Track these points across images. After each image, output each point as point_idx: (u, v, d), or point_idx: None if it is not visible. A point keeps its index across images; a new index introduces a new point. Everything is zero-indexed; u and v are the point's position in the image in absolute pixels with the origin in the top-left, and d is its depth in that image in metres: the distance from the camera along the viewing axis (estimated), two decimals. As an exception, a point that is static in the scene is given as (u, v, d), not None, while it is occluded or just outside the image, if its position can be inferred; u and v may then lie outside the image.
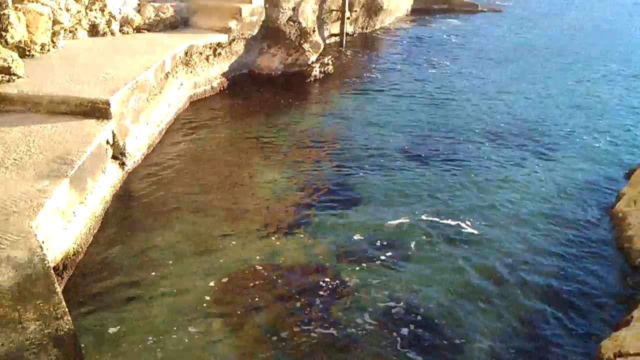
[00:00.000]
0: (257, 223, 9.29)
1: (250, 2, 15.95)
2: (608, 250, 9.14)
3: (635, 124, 15.04)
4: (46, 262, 5.81)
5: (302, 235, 9.06)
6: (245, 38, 16.04)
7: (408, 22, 27.31)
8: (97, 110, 9.69)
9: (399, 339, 7.00)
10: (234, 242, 8.71)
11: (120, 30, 14.33)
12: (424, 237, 9.27)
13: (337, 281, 8.04)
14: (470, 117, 14.85)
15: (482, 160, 12.27)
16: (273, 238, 8.92)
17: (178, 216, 9.33)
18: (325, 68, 17.64)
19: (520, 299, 7.86)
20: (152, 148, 11.58)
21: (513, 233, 9.49)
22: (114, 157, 9.93)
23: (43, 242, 6.44)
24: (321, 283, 7.96)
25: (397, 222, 9.63)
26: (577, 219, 10.05)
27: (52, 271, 5.85)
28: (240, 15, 15.62)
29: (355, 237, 9.13)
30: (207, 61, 15.09)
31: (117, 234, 8.77)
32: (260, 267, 8.18)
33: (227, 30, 15.36)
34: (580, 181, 11.51)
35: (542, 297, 7.93)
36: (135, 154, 10.78)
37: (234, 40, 15.67)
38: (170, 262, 8.17)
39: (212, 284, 7.79)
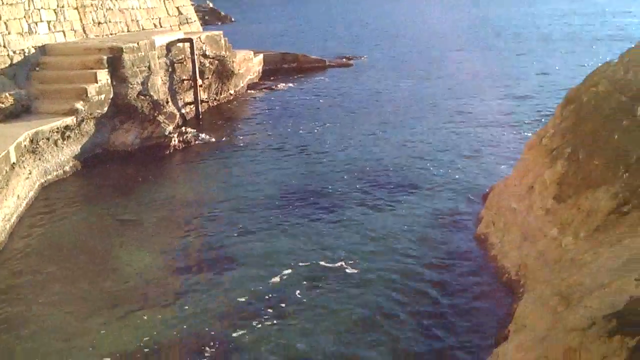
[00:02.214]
0: (130, 306, 8.74)
1: (96, 82, 15.51)
2: (477, 271, 9.56)
3: (478, 153, 16.13)
4: None
5: (180, 309, 8.65)
6: (94, 117, 15.50)
7: (260, 85, 27.76)
8: None
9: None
10: (107, 332, 8.11)
11: (-46, 125, 13.34)
12: (307, 286, 9.25)
13: (226, 346, 7.74)
14: (335, 167, 15.21)
15: (353, 204, 12.56)
16: (150, 318, 8.42)
17: (40, 314, 8.57)
18: (184, 137, 17.44)
19: (404, 330, 7.98)
20: (2, 245, 10.68)
21: (390, 267, 9.72)
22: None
23: None
24: (209, 352, 7.60)
25: (278, 276, 9.55)
26: (446, 246, 10.48)
27: None
28: (87, 95, 15.13)
29: (238, 299, 8.90)
30: (56, 145, 14.36)
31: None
32: (141, 352, 7.66)
33: (74, 112, 14.78)
34: (444, 210, 12.06)
35: (425, 325, 8.09)
36: (-16, 254, 9.88)
37: (82, 120, 15.09)
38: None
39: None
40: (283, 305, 8.76)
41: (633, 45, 9.60)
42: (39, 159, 13.70)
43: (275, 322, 8.32)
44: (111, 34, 20.40)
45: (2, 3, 15.45)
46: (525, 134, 17.53)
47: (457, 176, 14.20)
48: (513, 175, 10.79)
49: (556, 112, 11.21)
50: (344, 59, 34.94)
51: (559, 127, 10.35)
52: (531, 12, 71.30)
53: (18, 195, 12.10)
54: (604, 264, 6.34)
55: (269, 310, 8.63)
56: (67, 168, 14.60)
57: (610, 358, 4.58)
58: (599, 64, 10.38)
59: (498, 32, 48.63)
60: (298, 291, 9.08)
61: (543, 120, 18.49)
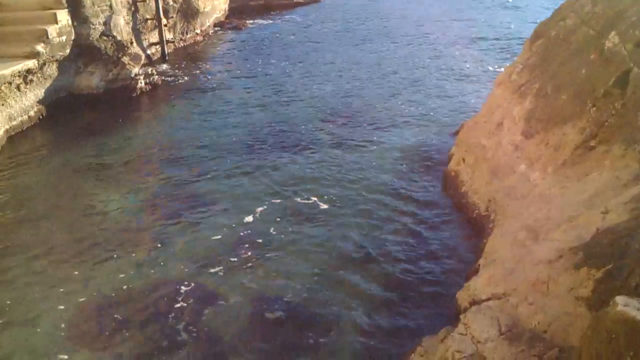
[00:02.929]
0: (105, 251, 8.76)
1: (56, 22, 14.94)
2: (447, 207, 9.75)
3: (452, 89, 16.15)
4: None
5: (155, 251, 8.71)
6: (57, 60, 15.02)
7: (227, 23, 27.05)
8: None
9: (273, 335, 6.96)
10: (84, 277, 8.13)
11: None
12: (280, 222, 9.40)
13: (201, 286, 7.85)
14: (305, 106, 15.13)
15: (324, 142, 12.59)
16: (126, 261, 8.47)
17: (16, 263, 8.52)
18: (151, 79, 17.06)
19: (374, 269, 8.19)
20: (-30, 194, 10.50)
21: (362, 206, 9.86)
22: None
23: None
24: (184, 295, 7.70)
25: (251, 215, 9.66)
26: (417, 183, 10.64)
27: None
28: (47, 37, 14.57)
29: (213, 238, 9.00)
30: (19, 90, 13.94)
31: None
32: (118, 295, 7.72)
33: (35, 55, 14.27)
34: (416, 148, 12.16)
35: (396, 263, 8.29)
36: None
37: (44, 64, 14.61)
38: (18, 308, 7.48)
39: (67, 316, 7.28)
40: (259, 240, 8.91)
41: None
42: (2, 104, 13.31)
43: (250, 258, 8.46)
44: (69, -28, 19.54)
45: (-49, -61, 14.65)
46: (497, 69, 17.58)
47: (428, 113, 14.25)
48: (482, 112, 10.86)
49: (525, 47, 11.22)
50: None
51: (528, 63, 10.38)
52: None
53: (-18, 143, 11.81)
54: (571, 198, 6.51)
55: (245, 246, 8.78)
56: (31, 113, 14.23)
57: (578, 289, 4.76)
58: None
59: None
60: (272, 228, 9.24)
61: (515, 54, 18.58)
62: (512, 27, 23.81)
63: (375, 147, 12.31)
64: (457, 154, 10.65)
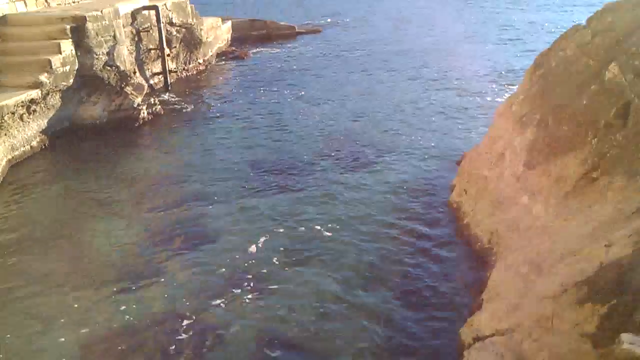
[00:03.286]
0: (107, 283, 8.70)
1: (60, 52, 15.08)
2: (450, 239, 9.69)
3: (451, 120, 16.19)
4: None
5: (157, 284, 8.65)
6: (60, 90, 15.12)
7: (230, 53, 27.26)
8: None
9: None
10: (85, 309, 8.06)
11: None
12: (284, 252, 9.35)
13: (204, 318, 7.78)
14: (306, 134, 15.18)
15: (326, 171, 12.61)
16: (127, 293, 8.41)
17: (18, 294, 8.46)
18: (154, 109, 17.15)
19: (377, 301, 8.09)
20: (-29, 224, 10.48)
21: (363, 236, 9.81)
22: None
23: None
24: (186, 328, 7.63)
25: (254, 245, 9.64)
26: (419, 214, 10.58)
27: None
28: (51, 67, 14.71)
29: (216, 270, 8.95)
30: (22, 120, 14.02)
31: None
32: (119, 329, 7.65)
33: (39, 85, 14.38)
34: (417, 177, 12.15)
35: (399, 295, 8.21)
36: (-49, 234, 9.67)
37: (48, 94, 14.71)
38: (17, 342, 7.40)
39: (68, 350, 7.19)
40: (263, 271, 8.87)
41: (600, 8, 9.62)
42: (5, 135, 13.37)
43: (254, 290, 8.41)
44: (74, 2, 19.78)
45: (-42, -28, 14.87)
46: (498, 99, 17.65)
47: (429, 143, 14.26)
48: (484, 143, 10.86)
49: (525, 78, 11.26)
50: (313, 26, 34.52)
51: (529, 93, 10.41)
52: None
53: (-16, 173, 11.83)
54: (574, 230, 6.46)
55: (248, 277, 8.73)
56: (34, 143, 14.28)
57: (582, 325, 4.70)
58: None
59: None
60: (275, 258, 9.22)
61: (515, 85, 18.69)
62: (512, 59, 23.93)
63: (377, 175, 12.31)
64: (458, 185, 10.63)
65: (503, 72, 21.42)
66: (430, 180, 12.04)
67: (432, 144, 14.15)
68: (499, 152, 9.76)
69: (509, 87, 18.91)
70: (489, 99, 18.00)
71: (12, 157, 13.49)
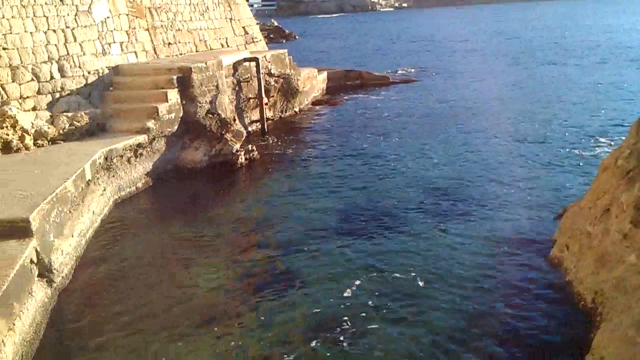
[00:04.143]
0: (201, 325, 8.87)
1: (167, 101, 15.99)
2: (552, 297, 9.24)
3: (550, 170, 15.67)
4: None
5: (252, 327, 8.74)
6: (165, 135, 15.97)
7: (324, 102, 27.91)
8: (17, 230, 9.25)
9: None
10: (179, 350, 8.26)
11: (34, 144, 13.93)
12: (379, 298, 9.29)
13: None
14: (400, 183, 15.15)
15: (421, 220, 12.47)
16: (221, 337, 8.53)
17: (113, 330, 8.82)
18: (251, 154, 17.72)
19: (477, 357, 7.79)
20: (80, 260, 11.08)
21: (458, 289, 9.54)
22: (41, 275, 9.42)
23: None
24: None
25: (349, 289, 9.63)
26: (518, 269, 10.19)
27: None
28: (158, 114, 15.61)
29: (312, 312, 9.01)
30: (129, 163, 14.87)
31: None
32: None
33: (146, 130, 15.27)
34: (516, 231, 11.77)
35: (498, 354, 7.88)
36: (62, 269, 10.26)
37: (154, 139, 15.57)
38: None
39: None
40: (363, 315, 8.84)
41: None
42: (113, 176, 14.20)
43: (350, 331, 8.39)
44: (180, 54, 21.02)
45: (77, 25, 16.17)
46: (597, 149, 16.99)
47: (527, 194, 13.84)
48: (587, 197, 10.42)
49: (631, 131, 10.78)
50: (407, 76, 34.81)
51: (635, 148, 9.96)
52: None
53: (93, 211, 12.56)
54: (690, 294, 6.05)
55: (344, 319, 8.74)
56: (139, 184, 15.08)
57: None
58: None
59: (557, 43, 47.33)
60: (371, 301, 9.20)
61: (616, 136, 17.98)
62: (602, 112, 22.95)
63: (473, 226, 12.02)
64: (560, 240, 10.21)
65: (603, 126, 20.62)
66: (528, 233, 11.63)
67: (529, 197, 13.71)
68: (604, 208, 9.32)
69: (609, 140, 18.16)
70: (586, 153, 17.29)
71: (119, 197, 14.28)
